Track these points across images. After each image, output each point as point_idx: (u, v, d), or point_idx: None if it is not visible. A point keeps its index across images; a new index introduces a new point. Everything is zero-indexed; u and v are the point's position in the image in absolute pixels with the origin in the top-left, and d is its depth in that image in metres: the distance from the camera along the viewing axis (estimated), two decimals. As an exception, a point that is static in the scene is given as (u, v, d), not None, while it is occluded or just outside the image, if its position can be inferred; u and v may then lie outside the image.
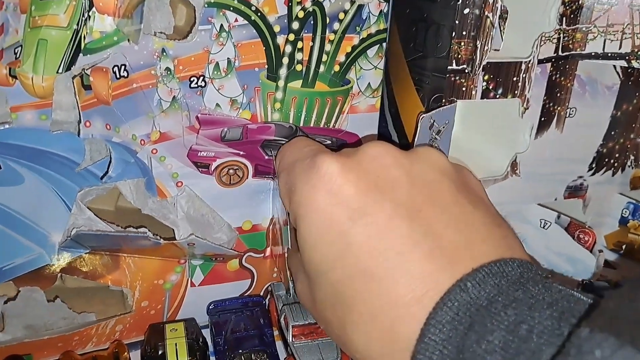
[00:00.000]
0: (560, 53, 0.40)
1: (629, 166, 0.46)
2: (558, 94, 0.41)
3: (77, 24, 0.33)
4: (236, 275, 0.44)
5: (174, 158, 0.38)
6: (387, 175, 0.28)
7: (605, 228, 0.48)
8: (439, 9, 0.36)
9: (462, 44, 0.36)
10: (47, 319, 0.40)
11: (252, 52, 0.36)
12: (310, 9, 0.36)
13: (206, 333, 0.42)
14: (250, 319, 0.43)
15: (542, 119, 0.41)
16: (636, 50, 0.40)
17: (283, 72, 0.38)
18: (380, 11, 0.38)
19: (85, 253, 0.39)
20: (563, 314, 0.21)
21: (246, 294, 0.45)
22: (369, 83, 0.40)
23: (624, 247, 0.48)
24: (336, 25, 0.37)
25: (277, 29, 0.36)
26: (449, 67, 0.36)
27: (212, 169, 0.39)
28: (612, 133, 0.44)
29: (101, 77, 0.34)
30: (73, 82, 0.34)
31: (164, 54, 0.35)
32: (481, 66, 0.37)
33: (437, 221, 0.26)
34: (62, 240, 0.38)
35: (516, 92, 0.39)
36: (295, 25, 0.36)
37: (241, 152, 0.39)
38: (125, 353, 0.40)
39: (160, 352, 0.39)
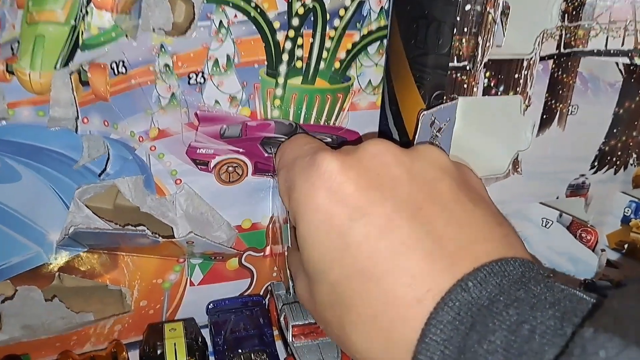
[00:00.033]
0: (562, 50, 0.39)
1: (631, 164, 0.46)
2: (560, 91, 0.41)
3: (75, 20, 0.32)
4: (236, 275, 0.44)
5: (172, 155, 0.38)
6: (388, 174, 0.28)
7: (607, 227, 0.48)
8: (440, 5, 0.35)
9: (464, 40, 0.35)
10: (45, 318, 0.39)
11: (251, 48, 0.36)
12: (311, 5, 0.36)
13: (205, 333, 0.42)
14: (250, 318, 0.43)
15: (544, 116, 0.41)
16: (639, 47, 0.39)
17: (283, 68, 0.37)
18: (381, 8, 0.38)
19: (84, 252, 0.39)
20: (566, 314, 0.21)
21: (246, 294, 0.45)
22: (370, 80, 0.40)
23: (626, 246, 0.48)
24: (336, 22, 0.37)
25: (277, 25, 0.36)
26: (450, 64, 0.36)
27: (211, 167, 0.39)
28: (615, 131, 0.44)
29: (99, 73, 0.34)
30: (71, 79, 0.33)
31: (163, 50, 0.34)
32: (483, 63, 0.37)
33: (437, 220, 0.26)
34: (59, 238, 0.37)
35: (518, 89, 0.39)
36: (295, 21, 0.36)
37: (240, 150, 0.39)
38: (124, 353, 0.40)
39: (159, 352, 0.38)
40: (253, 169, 0.40)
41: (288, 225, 0.35)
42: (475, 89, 0.37)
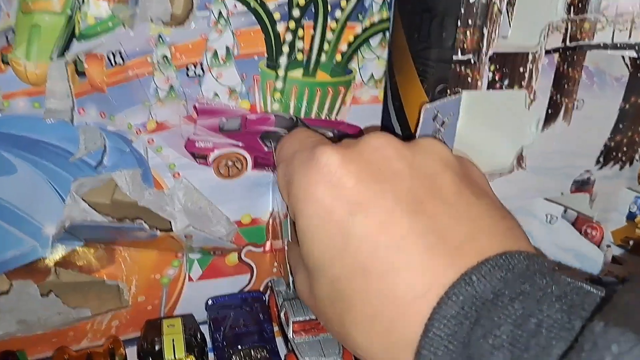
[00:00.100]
0: (568, 43, 0.39)
1: (637, 160, 0.45)
2: (565, 86, 0.40)
3: (71, 9, 0.32)
4: (235, 270, 0.43)
5: (171, 148, 0.37)
6: (389, 167, 0.27)
7: (612, 223, 0.47)
8: (444, -2, 0.35)
9: (468, 33, 0.35)
10: (41, 313, 0.39)
11: (251, 40, 0.36)
12: (312, -4, 0.36)
13: (205, 329, 0.41)
14: (250, 314, 0.42)
15: (549, 111, 0.40)
16: (646, 40, 0.39)
17: (283, 60, 0.37)
18: (384, 0, 0.38)
19: (80, 246, 0.38)
20: (573, 307, 0.21)
21: (245, 289, 0.45)
22: (372, 73, 0.40)
23: (631, 242, 0.47)
24: (338, 13, 0.37)
25: (277, 16, 0.35)
26: (454, 57, 0.35)
27: (210, 160, 0.38)
28: (620, 126, 0.43)
29: (96, 63, 0.33)
30: (67, 69, 0.33)
31: (161, 40, 0.34)
32: (487, 56, 0.36)
33: (439, 214, 0.26)
34: (56, 232, 0.37)
35: (523, 83, 0.38)
36: (296, 12, 0.36)
37: (240, 143, 0.38)
38: (121, 349, 0.39)
39: (157, 348, 0.38)
40: (253, 163, 0.39)
41: (288, 220, 0.35)
42: (479, 83, 0.37)
